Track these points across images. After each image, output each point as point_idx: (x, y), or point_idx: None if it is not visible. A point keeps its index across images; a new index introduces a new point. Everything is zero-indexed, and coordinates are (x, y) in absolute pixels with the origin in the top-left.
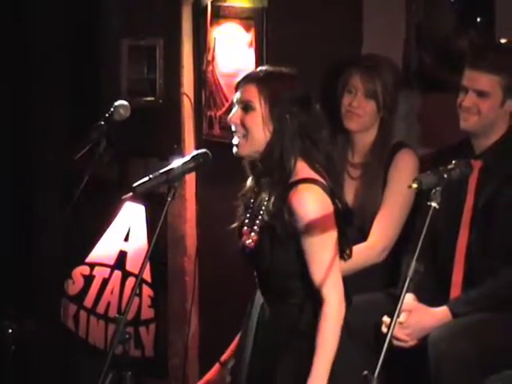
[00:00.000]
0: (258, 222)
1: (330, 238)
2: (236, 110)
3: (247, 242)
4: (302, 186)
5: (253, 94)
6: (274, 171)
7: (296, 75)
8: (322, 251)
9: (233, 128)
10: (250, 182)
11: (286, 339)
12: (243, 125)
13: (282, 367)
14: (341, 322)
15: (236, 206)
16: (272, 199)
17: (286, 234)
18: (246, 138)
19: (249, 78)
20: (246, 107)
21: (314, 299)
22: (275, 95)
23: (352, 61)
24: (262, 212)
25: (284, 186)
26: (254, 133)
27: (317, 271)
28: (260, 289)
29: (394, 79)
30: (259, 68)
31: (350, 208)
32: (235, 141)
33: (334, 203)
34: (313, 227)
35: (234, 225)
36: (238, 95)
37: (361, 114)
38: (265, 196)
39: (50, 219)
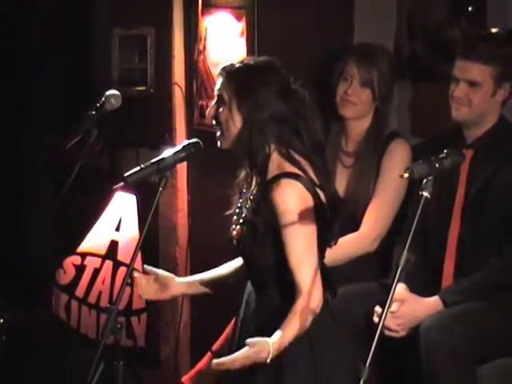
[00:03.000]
0: (243, 214)
1: (309, 233)
2: (212, 104)
3: (234, 234)
4: (283, 182)
5: (222, 86)
6: (249, 164)
7: (270, 65)
8: (299, 246)
9: (211, 120)
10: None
11: (265, 329)
12: (216, 118)
13: None
14: (311, 315)
15: (232, 194)
16: (255, 193)
17: (266, 229)
18: (221, 131)
19: (220, 71)
20: (220, 100)
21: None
22: (242, 88)
23: (348, 49)
24: (247, 205)
25: (264, 179)
26: (226, 126)
27: (294, 265)
28: (249, 280)
29: (389, 68)
30: (238, 60)
31: (339, 198)
32: (216, 136)
33: (315, 197)
34: (291, 223)
35: (228, 212)
36: (215, 88)
37: (356, 101)
38: (254, 188)
39: (41, 209)
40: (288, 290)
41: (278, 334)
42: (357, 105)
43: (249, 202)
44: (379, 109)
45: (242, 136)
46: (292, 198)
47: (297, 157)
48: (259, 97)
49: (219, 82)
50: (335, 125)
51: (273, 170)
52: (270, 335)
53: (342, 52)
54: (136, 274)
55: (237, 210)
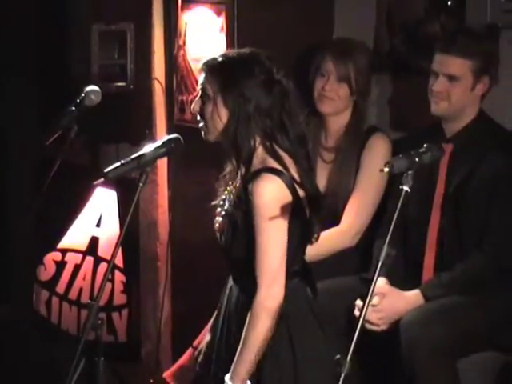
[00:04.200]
0: (225, 207)
1: (278, 229)
2: (196, 100)
3: (216, 224)
4: (263, 176)
5: (206, 81)
6: (235, 157)
7: (253, 58)
8: (264, 240)
9: (197, 115)
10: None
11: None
12: (200, 113)
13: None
14: (270, 314)
15: (218, 186)
16: (238, 186)
17: (245, 223)
18: (205, 125)
19: (204, 65)
20: (203, 95)
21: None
22: (227, 82)
23: (325, 45)
24: (230, 198)
25: (247, 172)
26: (212, 121)
27: (256, 259)
28: (229, 271)
29: (366, 63)
30: (220, 53)
31: (319, 194)
32: (201, 128)
33: (294, 194)
34: (262, 217)
35: (213, 203)
36: (199, 83)
37: (334, 97)
38: (237, 181)
39: (22, 205)
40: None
41: (233, 367)
42: (335, 100)
43: (231, 195)
44: (357, 103)
45: (227, 130)
46: (268, 192)
47: (281, 152)
48: (244, 90)
49: (202, 76)
50: (314, 120)
51: (256, 165)
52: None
53: (319, 48)
54: None
55: (220, 203)
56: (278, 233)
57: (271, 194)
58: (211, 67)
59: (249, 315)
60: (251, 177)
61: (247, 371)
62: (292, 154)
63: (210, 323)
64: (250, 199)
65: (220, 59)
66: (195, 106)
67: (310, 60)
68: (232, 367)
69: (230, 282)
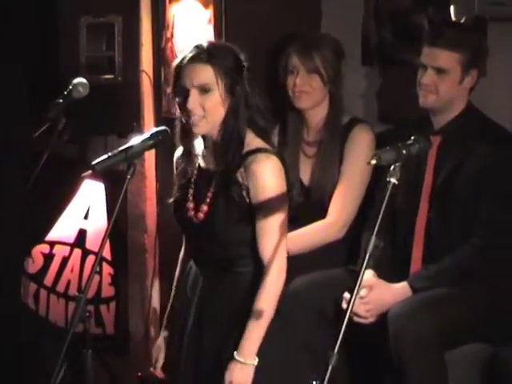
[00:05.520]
0: (209, 193)
1: (284, 211)
2: (193, 95)
3: (196, 214)
4: (261, 156)
5: (208, 75)
6: (231, 144)
7: (232, 46)
8: (274, 223)
9: (190, 109)
10: (181, 159)
11: (240, 309)
12: (202, 106)
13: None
14: (279, 292)
15: (171, 184)
16: (226, 170)
17: (242, 204)
18: (206, 118)
19: (198, 60)
20: (204, 89)
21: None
22: (227, 71)
23: (288, 41)
24: (213, 184)
25: (239, 156)
26: (213, 112)
27: (265, 243)
28: (203, 262)
29: (332, 51)
30: (198, 47)
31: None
32: (191, 120)
33: (286, 171)
34: (270, 198)
35: (171, 200)
36: (187, 80)
37: (308, 90)
38: (213, 168)
39: (9, 198)
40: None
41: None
42: (310, 93)
43: (215, 181)
44: (332, 93)
45: (229, 119)
46: (272, 172)
47: (264, 134)
48: (242, 81)
49: (201, 70)
50: (292, 116)
51: (247, 146)
52: (242, 318)
53: (284, 45)
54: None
55: (189, 196)
56: (283, 211)
57: (274, 172)
58: (213, 60)
59: (260, 294)
60: (243, 158)
61: (257, 346)
62: (268, 133)
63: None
64: (251, 182)
65: (214, 51)
66: (193, 104)
67: (278, 57)
68: (241, 344)
69: (195, 271)
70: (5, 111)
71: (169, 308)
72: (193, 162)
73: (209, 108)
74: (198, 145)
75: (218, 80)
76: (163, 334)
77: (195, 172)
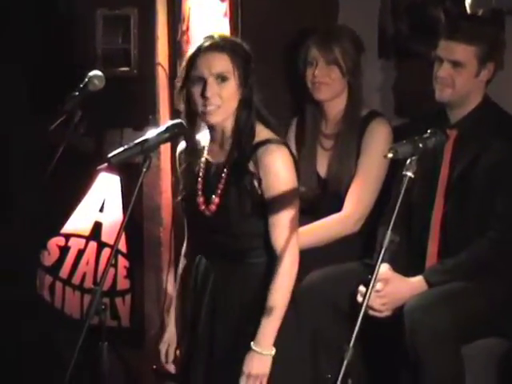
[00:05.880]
0: (220, 185)
1: (296, 203)
2: (211, 83)
3: (208, 207)
4: (272, 147)
5: (226, 64)
6: (243, 134)
7: (237, 39)
8: (286, 214)
9: (208, 97)
10: (184, 154)
11: (254, 300)
12: (219, 95)
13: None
14: (292, 283)
15: (177, 181)
16: (237, 161)
17: (254, 194)
18: (221, 106)
19: (216, 49)
20: (222, 78)
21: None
22: (243, 62)
23: (307, 33)
24: (223, 175)
25: (249, 146)
26: (229, 102)
27: (278, 233)
28: (214, 255)
29: (351, 43)
30: (209, 37)
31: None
32: (207, 109)
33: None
34: (282, 190)
35: (179, 197)
36: (204, 69)
37: (327, 81)
38: (223, 161)
39: (25, 190)
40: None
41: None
42: (329, 84)
43: (225, 171)
44: (351, 85)
45: (243, 109)
46: (284, 163)
47: (270, 124)
48: (253, 72)
49: (219, 58)
50: (310, 108)
51: (256, 137)
52: (256, 310)
53: (302, 37)
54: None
55: (199, 191)
56: (295, 203)
57: (286, 163)
58: (231, 49)
59: (273, 285)
60: (254, 149)
61: (273, 337)
62: (275, 124)
63: (173, 317)
64: (263, 171)
65: (230, 41)
66: (212, 92)
67: (297, 49)
68: (257, 335)
69: (203, 263)
70: (19, 105)
71: (174, 303)
72: (199, 156)
73: (225, 97)
74: (203, 138)
75: (235, 69)
76: (170, 329)
77: (202, 166)
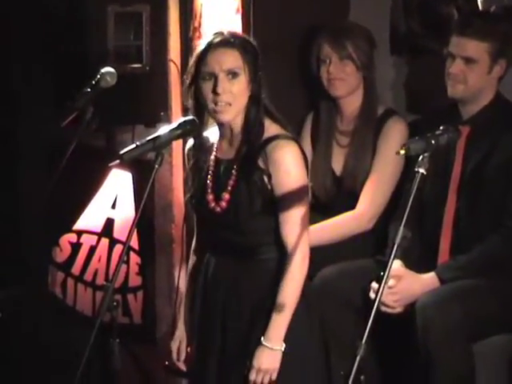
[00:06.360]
0: (230, 181)
1: (306, 199)
2: (222, 79)
3: (219, 204)
4: (282, 143)
5: (237, 60)
6: (253, 131)
7: (245, 35)
8: (297, 210)
9: (220, 93)
10: (193, 151)
11: (265, 296)
12: (231, 92)
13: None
14: (303, 279)
15: (186, 177)
16: (247, 157)
17: (265, 190)
18: (232, 104)
19: (226, 45)
20: (233, 75)
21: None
22: (253, 58)
23: (319, 30)
24: (233, 171)
25: (259, 142)
26: (239, 98)
27: (289, 230)
28: (225, 252)
29: (363, 38)
30: (219, 33)
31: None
32: (218, 108)
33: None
34: (292, 186)
35: (188, 196)
36: (215, 65)
37: (343, 77)
38: (232, 157)
39: (37, 187)
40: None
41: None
42: (345, 80)
43: (235, 167)
44: (367, 80)
45: (252, 105)
46: (294, 159)
47: (279, 121)
48: (261, 68)
49: (230, 55)
50: (325, 105)
51: (266, 133)
52: (267, 305)
53: (314, 34)
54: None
55: (208, 188)
56: (305, 199)
57: (296, 159)
58: (241, 46)
59: (284, 282)
60: (264, 145)
61: (283, 332)
62: (284, 120)
63: (182, 317)
64: (273, 166)
65: (240, 37)
66: (223, 88)
67: (310, 46)
68: (268, 330)
69: (212, 261)
70: (31, 101)
71: (183, 300)
72: (208, 153)
73: (236, 93)
74: (212, 135)
75: (245, 65)
76: (180, 326)
77: (212, 163)
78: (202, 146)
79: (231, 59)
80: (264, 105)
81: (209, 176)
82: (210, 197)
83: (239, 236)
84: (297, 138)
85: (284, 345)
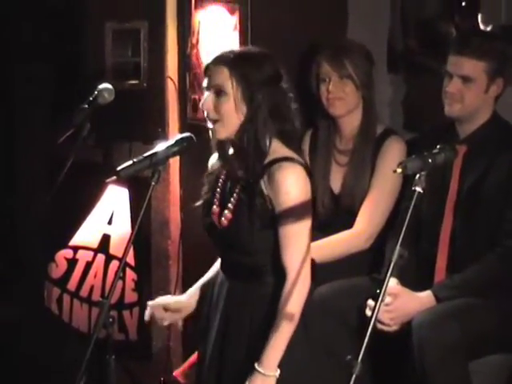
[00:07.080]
0: (232, 200)
1: (308, 219)
2: (208, 95)
3: (220, 220)
4: (286, 165)
5: (224, 77)
6: (249, 153)
7: (266, 54)
8: (298, 233)
9: (205, 113)
10: (215, 160)
11: (264, 319)
12: (216, 110)
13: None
14: (302, 303)
15: (201, 185)
16: (249, 178)
17: (266, 213)
18: (221, 122)
19: (218, 61)
20: (219, 92)
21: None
22: (246, 77)
23: (318, 49)
24: (237, 190)
25: (260, 165)
26: (228, 117)
27: (290, 251)
28: (228, 269)
29: (362, 56)
30: (228, 50)
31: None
32: (210, 126)
33: (311, 182)
34: (293, 208)
35: (199, 203)
36: (208, 80)
37: (342, 96)
38: (238, 174)
39: (34, 203)
40: (283, 275)
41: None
42: (343, 99)
43: (239, 187)
44: (366, 99)
45: (246, 126)
46: (296, 182)
47: (293, 145)
48: (264, 88)
49: (218, 71)
50: (323, 123)
51: (273, 154)
52: (265, 329)
53: (311, 53)
54: (147, 311)
55: (215, 200)
56: (307, 219)
57: (298, 180)
58: (230, 63)
59: (283, 304)
60: (267, 167)
61: (278, 358)
62: (298, 144)
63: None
64: (275, 191)
65: (236, 54)
66: (207, 104)
67: (309, 65)
68: (262, 355)
69: (221, 278)
70: (29, 118)
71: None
72: (223, 165)
73: (222, 112)
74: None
75: (234, 84)
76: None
77: (223, 178)
78: (221, 158)
79: (218, 76)
80: (279, 129)
81: (218, 189)
82: (216, 210)
83: (240, 255)
84: (306, 164)
85: (279, 371)
